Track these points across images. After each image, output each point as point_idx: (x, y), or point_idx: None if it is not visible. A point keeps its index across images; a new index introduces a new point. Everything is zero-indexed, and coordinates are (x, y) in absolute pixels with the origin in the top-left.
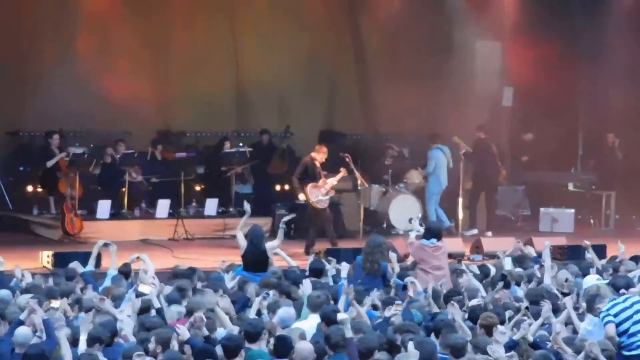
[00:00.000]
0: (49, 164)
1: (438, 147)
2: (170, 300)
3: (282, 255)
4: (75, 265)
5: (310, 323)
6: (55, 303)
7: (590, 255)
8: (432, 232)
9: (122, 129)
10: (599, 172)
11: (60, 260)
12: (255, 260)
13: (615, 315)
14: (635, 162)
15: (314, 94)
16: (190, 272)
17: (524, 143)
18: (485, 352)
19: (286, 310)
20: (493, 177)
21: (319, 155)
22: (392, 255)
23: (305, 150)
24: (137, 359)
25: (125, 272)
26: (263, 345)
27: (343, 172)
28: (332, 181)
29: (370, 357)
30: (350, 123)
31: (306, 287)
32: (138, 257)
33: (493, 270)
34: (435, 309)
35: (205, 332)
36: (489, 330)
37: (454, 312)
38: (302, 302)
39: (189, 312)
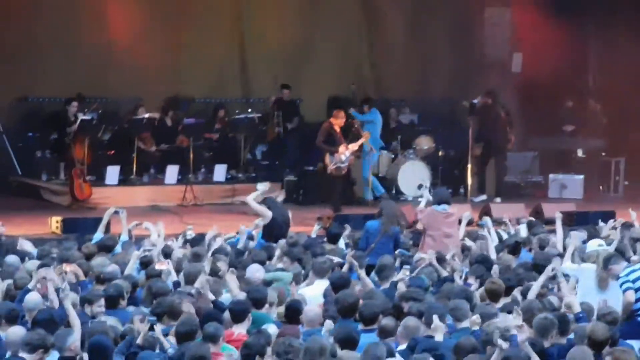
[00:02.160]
0: (70, 129)
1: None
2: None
3: None
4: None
5: (317, 289)
6: (67, 267)
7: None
8: (442, 198)
9: (132, 95)
10: (608, 138)
11: (69, 226)
12: (282, 230)
13: (634, 282)
14: None
15: (321, 60)
16: (200, 238)
17: (566, 111)
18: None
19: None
20: (501, 143)
21: (338, 120)
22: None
23: (314, 116)
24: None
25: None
26: (271, 310)
27: (365, 137)
28: (354, 147)
29: (375, 322)
30: (359, 89)
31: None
32: (138, 224)
33: (504, 236)
34: (444, 273)
35: (212, 296)
36: (494, 296)
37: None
38: (309, 268)
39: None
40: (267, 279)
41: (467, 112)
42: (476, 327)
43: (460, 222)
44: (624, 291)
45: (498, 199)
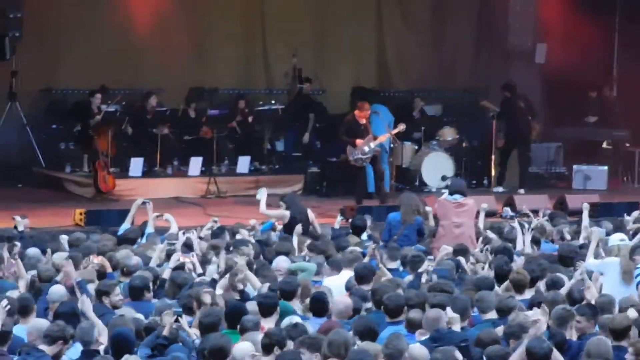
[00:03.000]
0: (93, 121)
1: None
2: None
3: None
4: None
5: (343, 278)
6: (95, 259)
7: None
8: (456, 188)
9: (155, 87)
10: (632, 129)
11: (93, 218)
12: (304, 226)
13: None
14: None
15: (343, 50)
16: (220, 231)
17: (589, 102)
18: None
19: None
20: (525, 133)
21: (363, 113)
22: (429, 210)
23: (337, 107)
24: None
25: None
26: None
27: (390, 134)
28: (380, 139)
29: (400, 314)
30: (382, 80)
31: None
32: (159, 216)
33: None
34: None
35: (241, 286)
36: (519, 287)
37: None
38: (336, 258)
39: (225, 271)
40: (291, 268)
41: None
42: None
43: (478, 213)
44: (638, 284)
45: (522, 190)
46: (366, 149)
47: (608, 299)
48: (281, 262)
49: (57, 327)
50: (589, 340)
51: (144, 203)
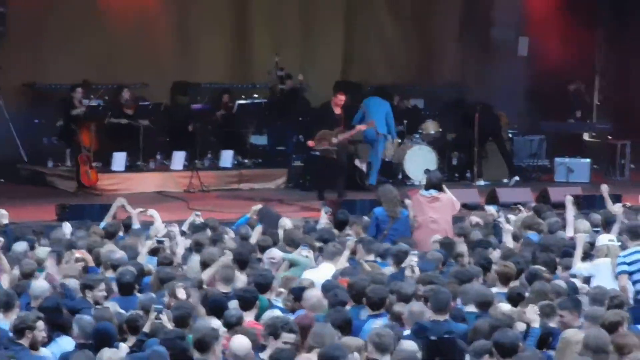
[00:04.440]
0: (74, 112)
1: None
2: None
3: None
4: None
5: (323, 272)
6: (77, 253)
7: (606, 198)
8: (431, 182)
9: (139, 81)
10: (615, 122)
11: (76, 213)
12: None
13: (630, 264)
14: None
15: (327, 44)
16: (202, 226)
17: (571, 94)
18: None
19: None
20: (491, 124)
21: (337, 101)
22: (408, 203)
23: (320, 101)
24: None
25: (126, 224)
26: (273, 296)
27: (368, 125)
28: (345, 135)
29: (383, 306)
30: (365, 74)
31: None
32: (142, 211)
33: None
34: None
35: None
36: (505, 279)
37: None
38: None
39: (204, 264)
40: (286, 258)
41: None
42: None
43: (454, 206)
44: (618, 274)
45: (516, 177)
46: (334, 140)
47: (601, 290)
48: (275, 251)
49: (18, 320)
50: (587, 332)
51: (123, 206)
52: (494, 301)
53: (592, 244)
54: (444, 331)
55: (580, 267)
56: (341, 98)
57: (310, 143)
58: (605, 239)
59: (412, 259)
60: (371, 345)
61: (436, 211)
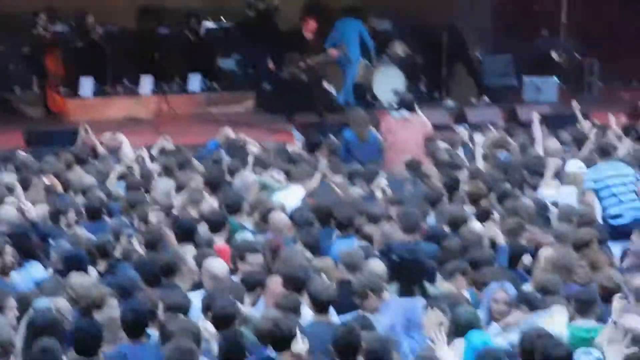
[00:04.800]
0: (41, 40)
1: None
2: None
3: None
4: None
5: (294, 194)
6: (46, 179)
7: (579, 117)
8: (402, 103)
9: (103, 8)
10: (582, 40)
11: (44, 139)
12: None
13: (596, 182)
14: (619, 28)
15: None
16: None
17: (538, 11)
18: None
19: None
20: (456, 43)
21: (307, 27)
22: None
23: (289, 23)
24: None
25: (95, 150)
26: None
27: (332, 53)
28: (316, 59)
29: (350, 227)
30: None
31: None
32: (112, 136)
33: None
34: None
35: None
36: (475, 198)
37: None
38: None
39: (179, 188)
40: (260, 181)
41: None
42: None
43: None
44: (584, 190)
45: (486, 99)
46: (302, 64)
47: (569, 209)
48: (246, 174)
49: None
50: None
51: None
52: (467, 220)
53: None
54: (409, 251)
55: (545, 193)
56: (312, 24)
57: (269, 65)
58: (574, 166)
59: (381, 181)
60: (342, 264)
61: (407, 132)
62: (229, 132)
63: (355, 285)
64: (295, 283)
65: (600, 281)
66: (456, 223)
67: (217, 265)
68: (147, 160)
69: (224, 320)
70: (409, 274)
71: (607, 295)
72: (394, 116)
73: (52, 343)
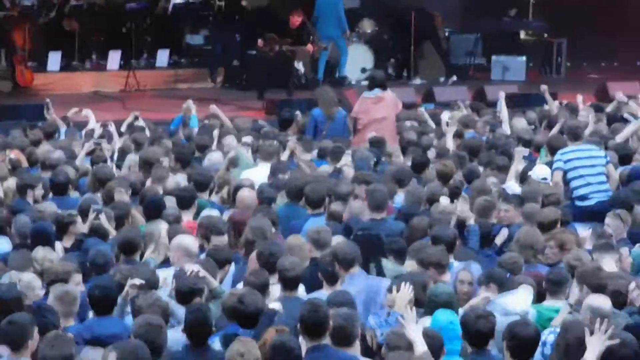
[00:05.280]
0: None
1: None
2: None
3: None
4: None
5: (261, 171)
6: (12, 153)
7: (548, 98)
8: (375, 81)
9: None
10: (551, 20)
11: (11, 112)
12: None
13: (566, 162)
14: (587, 8)
15: None
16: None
17: None
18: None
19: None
20: (425, 23)
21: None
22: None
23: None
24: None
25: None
26: (212, 196)
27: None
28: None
29: (321, 206)
30: None
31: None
32: (77, 111)
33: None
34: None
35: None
36: (444, 177)
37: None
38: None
39: (145, 163)
40: (238, 154)
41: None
42: None
43: (399, 106)
44: (553, 170)
45: (454, 77)
46: (277, 47)
47: (534, 189)
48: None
49: None
50: (519, 230)
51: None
52: (439, 199)
53: (527, 141)
54: (369, 227)
55: (511, 186)
56: (297, 19)
57: (259, 42)
58: (540, 173)
59: (347, 159)
60: (310, 242)
61: (381, 111)
62: (191, 104)
63: (323, 260)
64: (268, 259)
65: (569, 261)
66: (429, 201)
67: (188, 241)
68: (115, 135)
69: (187, 295)
70: (367, 250)
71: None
72: (368, 95)
73: (22, 316)
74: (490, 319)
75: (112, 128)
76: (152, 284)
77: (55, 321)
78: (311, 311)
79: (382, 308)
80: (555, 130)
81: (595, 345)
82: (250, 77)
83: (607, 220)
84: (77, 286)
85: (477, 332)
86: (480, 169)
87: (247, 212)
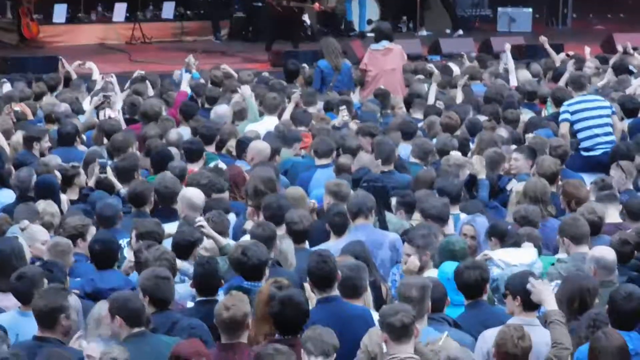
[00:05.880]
0: None
1: None
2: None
3: None
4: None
5: (266, 124)
6: (17, 106)
7: (549, 50)
8: (382, 33)
9: None
10: None
11: (17, 65)
12: None
13: (573, 113)
14: None
15: None
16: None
17: None
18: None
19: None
20: None
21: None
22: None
23: None
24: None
25: (66, 78)
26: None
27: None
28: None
29: (329, 157)
30: None
31: (245, 91)
32: (81, 64)
33: (456, 70)
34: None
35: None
36: (450, 129)
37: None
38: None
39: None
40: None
41: None
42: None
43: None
44: (560, 121)
45: (460, 31)
46: (284, 2)
47: (541, 140)
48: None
49: None
50: (527, 181)
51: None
52: (433, 152)
53: (532, 93)
54: (376, 179)
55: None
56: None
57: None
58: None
59: (343, 113)
60: (329, 194)
61: (391, 62)
62: (192, 60)
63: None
64: (276, 212)
65: (583, 213)
66: (439, 153)
67: (192, 193)
68: (117, 87)
69: (184, 248)
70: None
71: (592, 228)
72: (376, 47)
73: (32, 269)
74: (481, 272)
75: (113, 80)
76: (156, 235)
77: (61, 277)
78: (319, 262)
79: (384, 262)
80: (561, 82)
81: (545, 292)
82: (256, 29)
83: (611, 171)
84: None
85: (466, 283)
86: (482, 118)
87: (238, 166)
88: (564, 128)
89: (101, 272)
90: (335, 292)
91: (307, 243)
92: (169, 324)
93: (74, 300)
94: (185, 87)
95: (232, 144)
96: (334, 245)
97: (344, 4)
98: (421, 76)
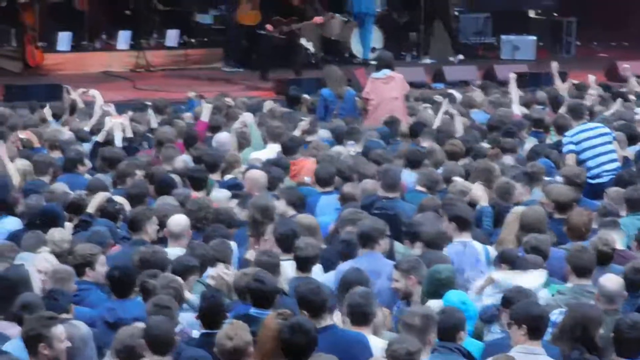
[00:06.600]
0: None
1: None
2: None
3: None
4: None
5: (269, 152)
6: (22, 134)
7: (555, 75)
8: (384, 61)
9: None
10: None
11: (21, 93)
12: None
13: (578, 143)
14: None
15: None
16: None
17: None
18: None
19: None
20: (435, 2)
21: None
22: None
23: None
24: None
25: (72, 106)
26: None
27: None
28: (298, 25)
29: (331, 184)
30: None
31: (247, 118)
32: (84, 92)
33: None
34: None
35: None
36: (453, 156)
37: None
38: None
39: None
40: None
41: None
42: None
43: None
44: (566, 153)
45: (460, 56)
46: (285, 28)
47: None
48: (247, 117)
49: None
50: (526, 209)
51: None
52: (440, 182)
53: (539, 120)
54: (388, 207)
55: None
56: None
57: (268, 27)
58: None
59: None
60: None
61: (393, 90)
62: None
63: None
64: (287, 238)
65: (596, 244)
66: (445, 180)
67: (177, 220)
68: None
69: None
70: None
71: (603, 258)
72: (378, 76)
73: (33, 297)
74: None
75: (110, 108)
76: (161, 264)
77: (66, 305)
78: (309, 291)
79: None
80: (562, 110)
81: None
82: (259, 57)
83: (605, 196)
84: (102, 268)
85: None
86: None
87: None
88: (571, 159)
89: (122, 302)
90: (328, 321)
91: (312, 272)
92: (173, 355)
93: (64, 330)
94: (205, 118)
95: (240, 170)
96: (334, 270)
97: (347, 31)
98: (427, 104)
